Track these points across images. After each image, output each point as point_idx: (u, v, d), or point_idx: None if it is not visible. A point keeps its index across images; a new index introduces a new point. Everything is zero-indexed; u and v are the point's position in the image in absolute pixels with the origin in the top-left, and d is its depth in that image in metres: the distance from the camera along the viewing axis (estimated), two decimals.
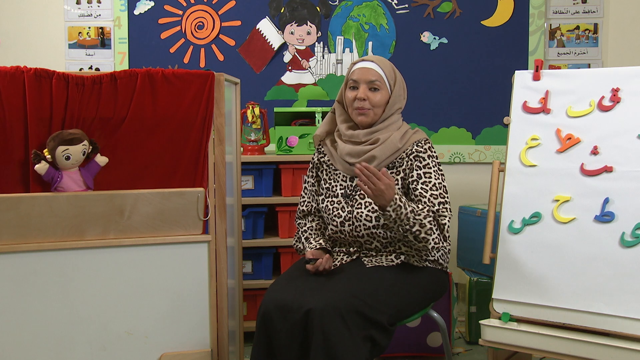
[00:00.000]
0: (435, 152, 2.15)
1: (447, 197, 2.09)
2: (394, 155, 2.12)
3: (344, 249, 2.18)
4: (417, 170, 2.10)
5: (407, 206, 1.95)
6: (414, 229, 1.97)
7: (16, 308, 1.97)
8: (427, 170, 2.09)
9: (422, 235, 1.99)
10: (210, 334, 2.16)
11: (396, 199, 1.93)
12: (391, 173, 2.12)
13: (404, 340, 2.76)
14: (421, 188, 2.07)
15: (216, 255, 2.21)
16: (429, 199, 2.06)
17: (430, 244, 2.00)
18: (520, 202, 2.16)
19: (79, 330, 2.03)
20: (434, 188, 2.07)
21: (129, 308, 2.07)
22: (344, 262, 2.13)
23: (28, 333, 1.98)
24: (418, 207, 1.99)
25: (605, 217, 2.02)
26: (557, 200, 2.10)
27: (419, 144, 2.13)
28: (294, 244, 2.32)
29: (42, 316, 1.99)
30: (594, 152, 2.10)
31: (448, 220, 2.06)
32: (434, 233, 2.01)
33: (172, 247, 2.10)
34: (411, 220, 1.96)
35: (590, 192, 2.06)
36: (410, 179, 2.10)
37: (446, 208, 2.07)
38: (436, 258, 2.15)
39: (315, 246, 2.17)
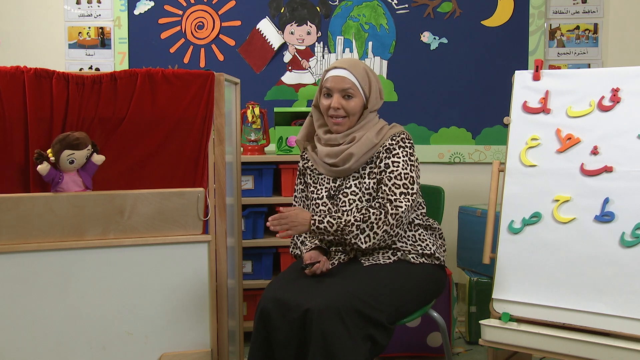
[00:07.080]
0: (409, 143, 2.14)
1: (412, 189, 2.06)
2: (371, 151, 2.13)
3: (340, 248, 2.18)
4: (385, 160, 2.10)
5: (331, 223, 2.02)
6: (348, 238, 2.04)
7: (16, 308, 1.97)
8: (395, 159, 2.09)
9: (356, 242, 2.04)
10: (210, 334, 2.16)
11: (314, 220, 2.03)
12: (370, 169, 2.13)
13: (404, 340, 2.76)
14: (386, 177, 2.08)
15: (216, 255, 2.21)
16: (390, 188, 2.06)
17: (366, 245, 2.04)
18: (520, 202, 2.16)
19: (79, 330, 2.03)
20: (398, 177, 2.07)
21: (129, 308, 2.07)
22: (341, 260, 2.13)
23: (28, 333, 1.98)
24: (348, 219, 2.03)
25: (605, 217, 2.02)
26: (557, 200, 2.10)
27: (394, 138, 2.13)
28: (291, 251, 2.32)
29: (42, 316, 1.99)
30: (594, 152, 2.10)
31: (403, 212, 2.03)
32: (368, 242, 2.02)
33: (172, 247, 2.10)
34: (339, 233, 2.03)
35: (590, 192, 2.06)
36: (378, 169, 2.11)
37: (407, 199, 2.04)
38: (432, 252, 2.16)
39: (311, 247, 2.19)
